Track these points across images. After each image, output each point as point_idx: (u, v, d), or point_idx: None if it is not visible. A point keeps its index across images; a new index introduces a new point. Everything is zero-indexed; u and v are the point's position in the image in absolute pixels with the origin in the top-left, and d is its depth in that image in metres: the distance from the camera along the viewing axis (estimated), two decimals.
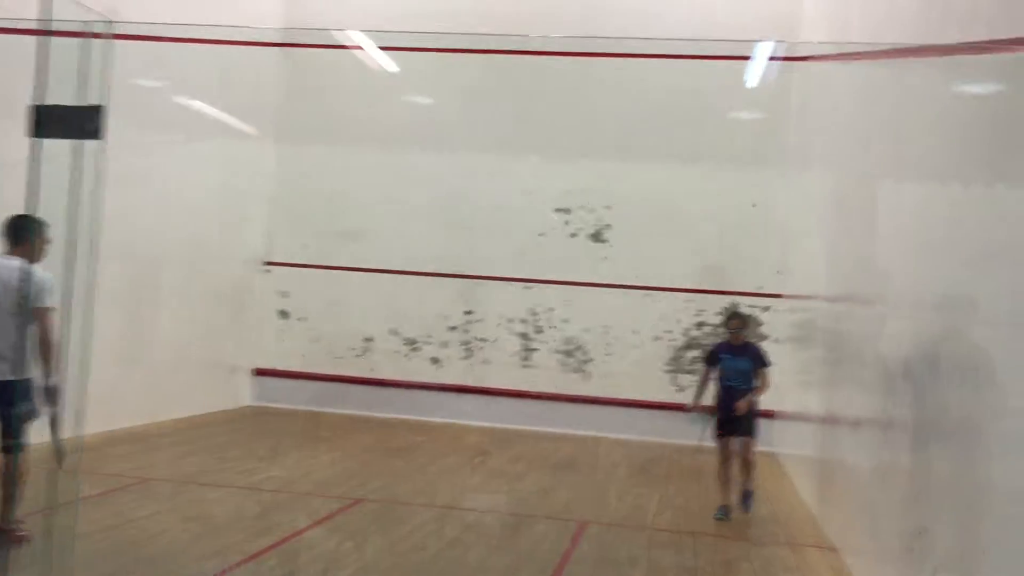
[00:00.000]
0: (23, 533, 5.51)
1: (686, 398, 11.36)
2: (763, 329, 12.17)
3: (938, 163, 5.04)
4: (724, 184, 12.61)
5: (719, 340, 8.94)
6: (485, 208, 12.99)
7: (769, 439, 10.27)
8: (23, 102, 4.24)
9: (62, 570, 5.06)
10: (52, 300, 5.38)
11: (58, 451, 5.21)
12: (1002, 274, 3.93)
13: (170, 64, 10.65)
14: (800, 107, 11.42)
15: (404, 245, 13.14)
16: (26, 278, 5.38)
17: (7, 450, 5.40)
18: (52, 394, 5.38)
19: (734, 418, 7.76)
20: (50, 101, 4.31)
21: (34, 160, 4.31)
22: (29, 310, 5.39)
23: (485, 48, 12.60)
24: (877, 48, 6.75)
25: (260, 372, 13.37)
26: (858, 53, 7.57)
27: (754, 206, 12.49)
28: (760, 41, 11.45)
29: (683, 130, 12.54)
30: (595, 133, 12.83)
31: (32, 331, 5.41)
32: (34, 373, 5.47)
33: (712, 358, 8.07)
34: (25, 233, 5.52)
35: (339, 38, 12.84)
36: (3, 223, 5.59)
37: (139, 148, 9.71)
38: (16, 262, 5.53)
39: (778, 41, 11.77)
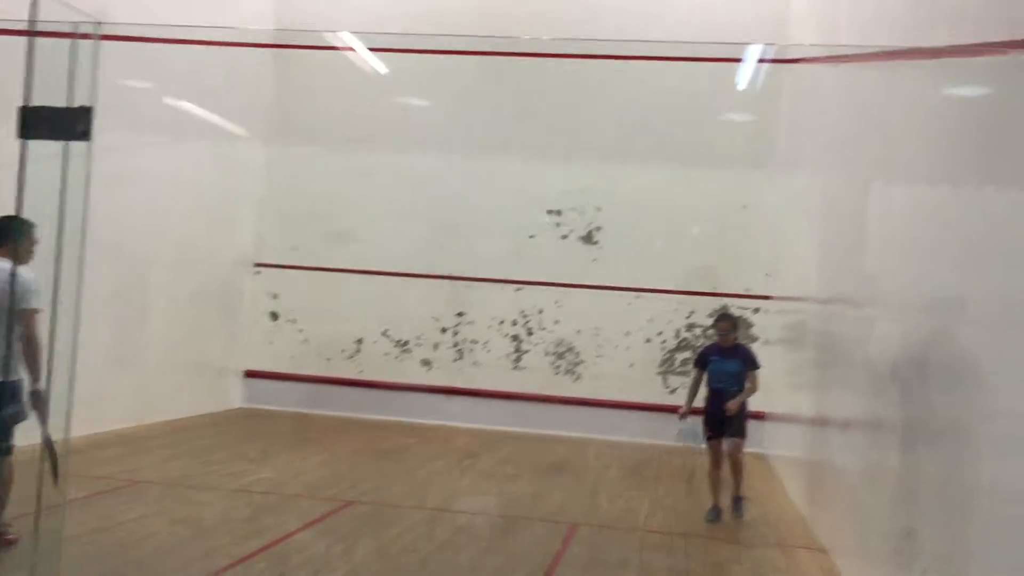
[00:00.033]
0: (11, 536, 5.48)
1: (677, 399, 11.39)
2: (753, 331, 12.20)
3: (927, 165, 5.05)
4: (714, 186, 12.64)
5: (709, 342, 8.95)
6: (476, 209, 12.99)
7: (759, 440, 10.30)
8: (12, 103, 4.22)
9: (48, 573, 5.02)
10: (38, 302, 5.34)
11: (54, 468, 5.14)
12: (990, 276, 3.94)
13: (160, 65, 10.61)
14: (790, 109, 11.45)
15: (395, 247, 13.12)
16: (12, 279, 5.35)
17: None
18: (38, 399, 5.35)
19: (724, 419, 7.77)
20: (38, 102, 4.29)
21: (22, 161, 4.28)
22: (15, 312, 5.36)
23: (476, 50, 12.59)
24: (866, 51, 6.77)
25: (250, 374, 13.34)
26: (847, 56, 7.59)
27: (744, 208, 12.51)
28: (750, 44, 11.47)
29: (674, 132, 12.56)
30: (586, 135, 12.84)
31: (17, 333, 5.38)
32: (21, 375, 5.44)
33: (702, 361, 8.07)
34: (11, 234, 5.49)
35: (330, 39, 12.82)
36: None
37: (128, 149, 9.67)
38: (2, 263, 5.50)
39: (767, 44, 11.80)
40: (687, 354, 12.36)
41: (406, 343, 13.25)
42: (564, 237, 13.04)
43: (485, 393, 12.85)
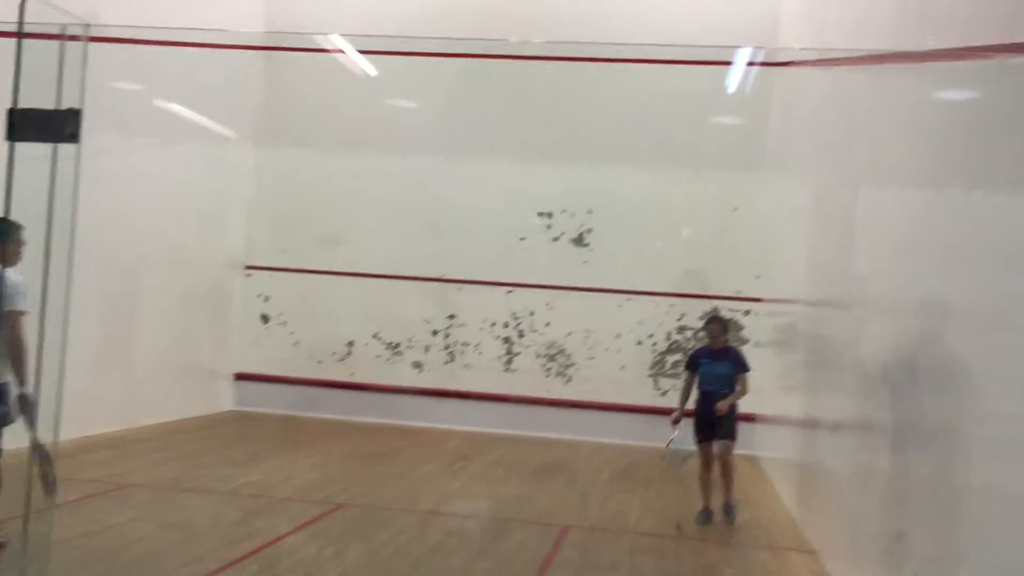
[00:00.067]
0: (1, 540, 5.44)
1: (668, 401, 11.39)
2: (744, 333, 12.22)
3: (915, 168, 5.07)
4: (705, 188, 12.66)
5: (700, 345, 8.96)
6: (467, 212, 12.98)
7: (750, 443, 10.31)
8: (0, 106, 4.20)
9: None
10: (25, 304, 5.31)
11: (44, 479, 5.08)
12: (978, 278, 3.96)
13: (149, 67, 10.59)
14: (780, 112, 11.48)
15: (386, 249, 13.11)
16: None
17: None
18: (25, 402, 5.31)
19: (715, 421, 7.78)
20: (26, 105, 4.27)
21: (9, 163, 4.27)
22: (1, 314, 5.33)
23: (466, 52, 12.59)
24: (855, 54, 6.79)
25: (240, 376, 13.30)
26: (836, 59, 7.62)
27: (735, 210, 12.53)
28: (740, 47, 11.50)
29: (664, 134, 12.57)
30: (576, 137, 12.85)
31: (3, 335, 5.34)
32: (7, 379, 5.41)
33: (693, 363, 8.08)
34: None
35: (320, 41, 12.80)
36: None
37: (118, 151, 9.65)
38: None
39: (757, 47, 11.83)
40: (678, 356, 12.38)
41: (397, 345, 13.23)
42: (555, 239, 13.04)
43: (476, 395, 12.84)
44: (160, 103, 11.33)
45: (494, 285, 13.01)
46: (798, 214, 9.45)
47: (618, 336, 12.81)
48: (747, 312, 12.38)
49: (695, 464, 8.04)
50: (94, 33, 4.56)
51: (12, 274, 5.42)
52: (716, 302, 12.30)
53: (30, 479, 4.83)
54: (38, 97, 4.23)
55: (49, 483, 4.97)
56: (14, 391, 5.43)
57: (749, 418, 9.60)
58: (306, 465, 9.73)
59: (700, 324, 11.44)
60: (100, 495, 7.49)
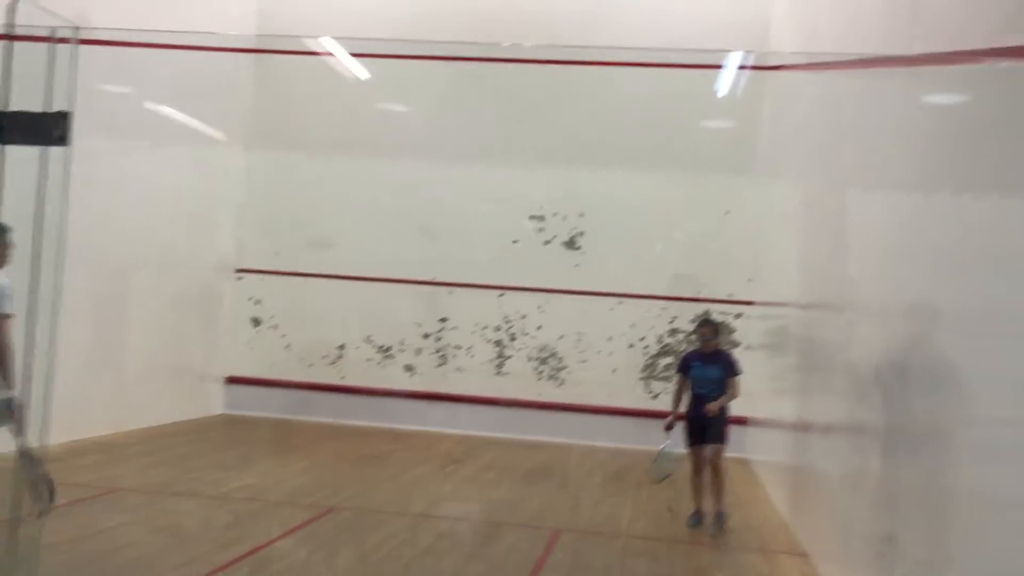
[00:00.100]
0: None
1: (659, 404, 11.41)
2: (736, 336, 12.23)
3: (905, 172, 5.09)
4: (697, 191, 12.68)
5: (692, 348, 8.97)
6: (459, 215, 12.98)
7: (742, 446, 10.32)
8: None
9: None
10: (10, 306, 5.28)
11: (34, 487, 4.99)
12: (967, 282, 3.97)
13: (139, 69, 10.56)
14: (771, 116, 11.50)
15: (378, 252, 13.08)
16: None
17: None
18: (12, 407, 5.27)
19: (706, 424, 7.78)
20: (15, 107, 4.25)
21: None
22: None
23: (457, 55, 12.60)
24: (845, 58, 6.81)
25: (231, 380, 13.26)
26: (827, 63, 7.64)
27: (727, 213, 12.55)
28: (732, 51, 11.53)
29: (657, 138, 12.59)
30: (569, 141, 12.85)
31: None
32: None
33: (684, 367, 8.09)
34: None
35: (310, 44, 12.79)
36: None
37: (108, 154, 9.62)
38: None
39: (748, 51, 11.86)
40: (669, 359, 12.39)
41: (389, 349, 13.22)
42: (547, 243, 13.04)
43: (468, 399, 12.83)
44: (150, 106, 11.30)
45: (486, 288, 13.01)
46: (789, 217, 9.46)
47: (610, 339, 12.82)
48: (739, 315, 12.40)
49: (686, 468, 8.03)
50: (84, 36, 4.55)
51: None
52: (708, 305, 12.31)
53: (18, 484, 4.80)
54: (27, 100, 4.21)
55: (41, 491, 4.92)
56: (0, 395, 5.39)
57: (741, 421, 9.62)
58: (297, 469, 9.71)
59: (692, 327, 11.45)
60: (90, 499, 7.45)
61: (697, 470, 7.93)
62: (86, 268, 9.30)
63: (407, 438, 12.05)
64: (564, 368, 12.91)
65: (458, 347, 13.09)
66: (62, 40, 4.33)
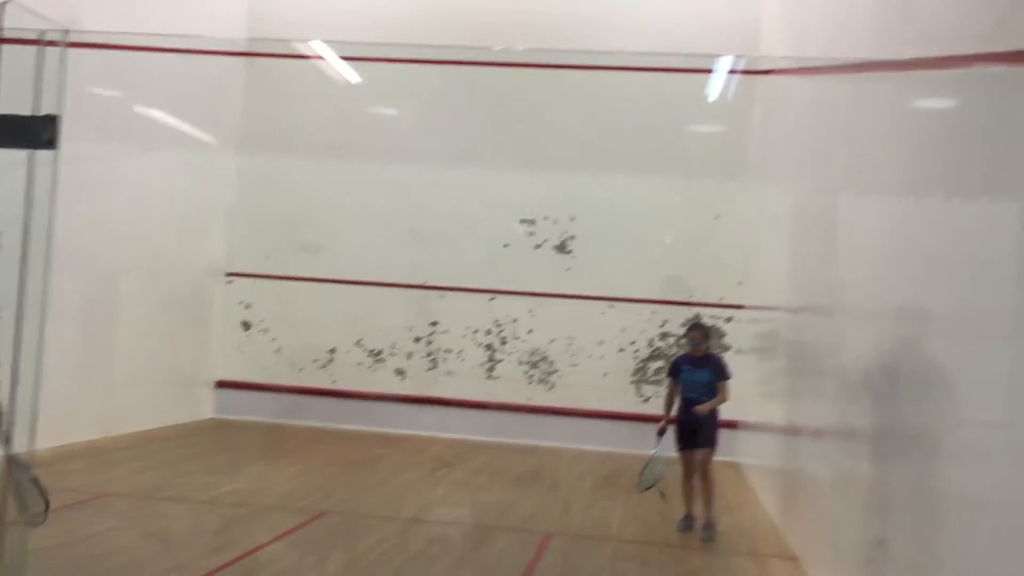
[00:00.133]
0: None
1: (650, 408, 11.43)
2: (726, 340, 12.25)
3: (895, 176, 5.10)
4: (687, 195, 12.69)
5: (682, 352, 8.97)
6: (449, 219, 12.97)
7: (732, 449, 10.33)
8: None
9: None
10: None
11: (22, 498, 4.95)
12: (956, 286, 3.98)
13: (130, 72, 10.54)
14: (762, 120, 11.53)
15: (369, 256, 13.07)
16: None
17: None
18: None
19: (696, 428, 7.77)
20: (3, 110, 4.24)
21: None
22: None
23: (448, 59, 12.60)
24: (835, 63, 6.83)
25: (221, 384, 13.22)
26: (817, 67, 7.66)
27: (717, 217, 12.57)
28: (722, 55, 11.56)
29: (647, 142, 12.60)
30: (560, 144, 12.86)
31: None
32: None
33: (675, 370, 8.08)
34: None
35: (301, 48, 12.78)
36: None
37: (98, 157, 9.58)
38: None
39: (738, 55, 11.90)
40: (660, 363, 12.39)
41: (379, 352, 13.19)
42: (538, 247, 13.04)
43: (459, 402, 12.82)
44: (140, 109, 11.27)
45: (477, 292, 13.00)
46: (780, 221, 9.48)
47: (601, 343, 12.82)
48: (729, 319, 12.42)
49: (676, 472, 8.02)
50: (74, 38, 4.53)
51: None
52: (698, 309, 12.32)
53: (4, 490, 4.77)
54: (16, 103, 4.19)
55: (30, 498, 4.88)
56: None
57: (731, 425, 9.62)
58: (287, 473, 9.68)
59: (682, 331, 11.46)
60: (78, 504, 7.42)
61: (688, 475, 7.93)
62: (75, 271, 9.27)
63: (398, 442, 12.03)
64: (555, 372, 12.91)
65: (449, 351, 13.08)
66: (51, 43, 4.32)
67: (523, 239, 13.05)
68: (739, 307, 12.22)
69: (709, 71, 11.89)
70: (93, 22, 8.22)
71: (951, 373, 4.02)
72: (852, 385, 5.73)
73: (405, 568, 6.43)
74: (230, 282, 13.40)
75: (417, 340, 13.14)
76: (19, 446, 5.09)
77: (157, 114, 11.52)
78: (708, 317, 12.09)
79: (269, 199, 13.30)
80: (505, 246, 13.05)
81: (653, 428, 8.03)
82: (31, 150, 4.24)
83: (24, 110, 4.20)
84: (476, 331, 13.05)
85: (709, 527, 7.80)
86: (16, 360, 4.61)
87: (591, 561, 7.05)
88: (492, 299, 13.01)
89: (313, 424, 12.65)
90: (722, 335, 12.24)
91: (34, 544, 5.49)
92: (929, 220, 4.43)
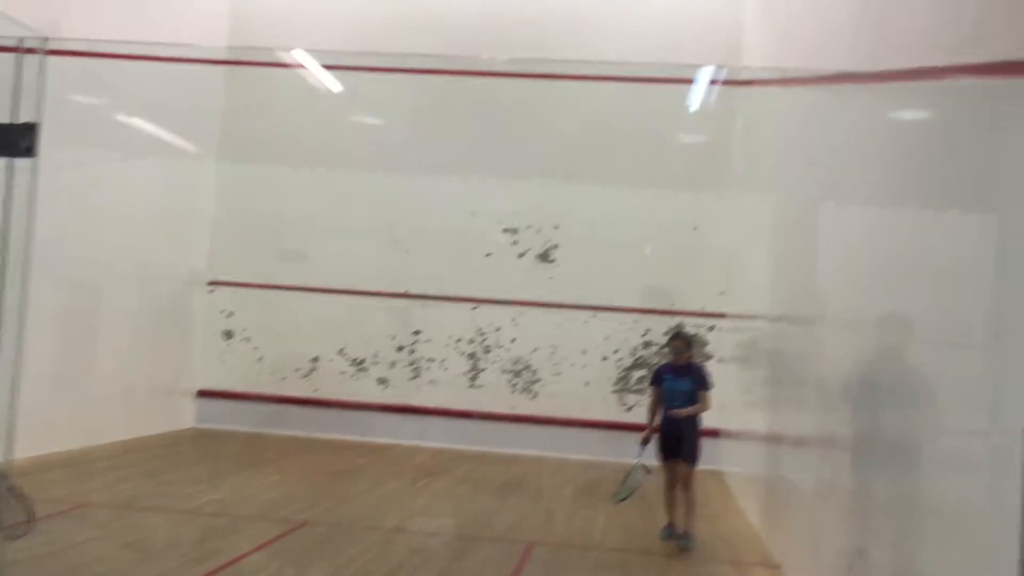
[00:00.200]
0: None
1: (633, 417, 11.45)
2: (708, 349, 12.29)
3: (874, 186, 5.14)
4: (670, 205, 12.75)
5: (665, 361, 8.98)
6: (432, 228, 12.97)
7: (715, 458, 10.35)
8: None
9: None
10: None
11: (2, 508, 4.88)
12: (935, 296, 4.01)
13: (110, 80, 10.49)
14: (743, 130, 11.60)
15: (351, 265, 13.05)
16: None
17: None
18: None
19: (680, 436, 7.76)
20: None
21: None
22: None
23: (431, 68, 12.61)
24: (815, 74, 6.88)
25: (203, 393, 13.14)
26: (798, 78, 7.72)
27: (699, 227, 12.62)
28: (704, 65, 11.63)
29: (630, 151, 12.65)
30: (542, 154, 12.89)
31: None
32: None
33: (657, 379, 8.08)
34: None
35: (283, 57, 12.77)
36: None
37: (77, 165, 9.53)
38: None
39: (720, 66, 11.97)
40: (643, 372, 12.42)
41: (362, 361, 13.16)
42: (521, 255, 13.06)
43: (441, 411, 12.80)
44: (121, 117, 11.22)
45: (459, 301, 13.00)
46: (761, 231, 9.54)
47: (584, 352, 12.84)
48: (711, 328, 12.46)
49: (659, 481, 8.01)
50: (53, 46, 4.51)
51: None
52: (680, 318, 12.36)
53: None
54: None
55: (10, 508, 4.84)
56: None
57: (714, 433, 9.65)
58: (269, 483, 9.63)
59: (665, 340, 11.49)
60: (58, 515, 7.35)
61: (670, 484, 7.92)
62: (54, 280, 9.21)
63: (380, 451, 12.00)
64: (538, 381, 12.92)
65: (432, 360, 13.06)
66: (30, 50, 4.30)
67: (506, 248, 13.07)
68: (721, 316, 12.27)
69: (691, 82, 11.96)
70: (73, 29, 8.18)
71: (930, 382, 4.05)
72: (832, 394, 5.76)
73: None
74: (212, 291, 13.34)
75: (400, 349, 13.12)
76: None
77: (138, 122, 11.47)
78: (691, 326, 12.12)
79: (251, 207, 13.26)
80: (488, 255, 13.06)
81: (636, 437, 8.02)
82: (10, 158, 4.22)
83: (3, 118, 4.18)
84: (459, 340, 13.04)
85: (686, 536, 7.79)
86: None
87: (574, 570, 7.05)
88: (475, 308, 13.01)
89: (295, 433, 12.60)
90: (704, 344, 12.28)
91: (13, 555, 5.45)
92: (907, 230, 4.47)
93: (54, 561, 6.16)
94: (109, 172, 10.66)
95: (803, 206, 7.34)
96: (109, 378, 10.93)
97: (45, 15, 4.83)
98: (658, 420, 7.93)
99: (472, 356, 13.03)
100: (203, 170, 13.16)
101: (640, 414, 8.27)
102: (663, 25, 12.63)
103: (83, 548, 6.57)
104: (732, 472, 10.77)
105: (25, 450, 5.40)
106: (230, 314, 13.31)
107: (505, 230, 13.06)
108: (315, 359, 13.20)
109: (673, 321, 12.30)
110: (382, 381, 13.11)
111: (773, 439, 8.18)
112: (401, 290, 13.04)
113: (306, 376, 13.19)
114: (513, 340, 12.98)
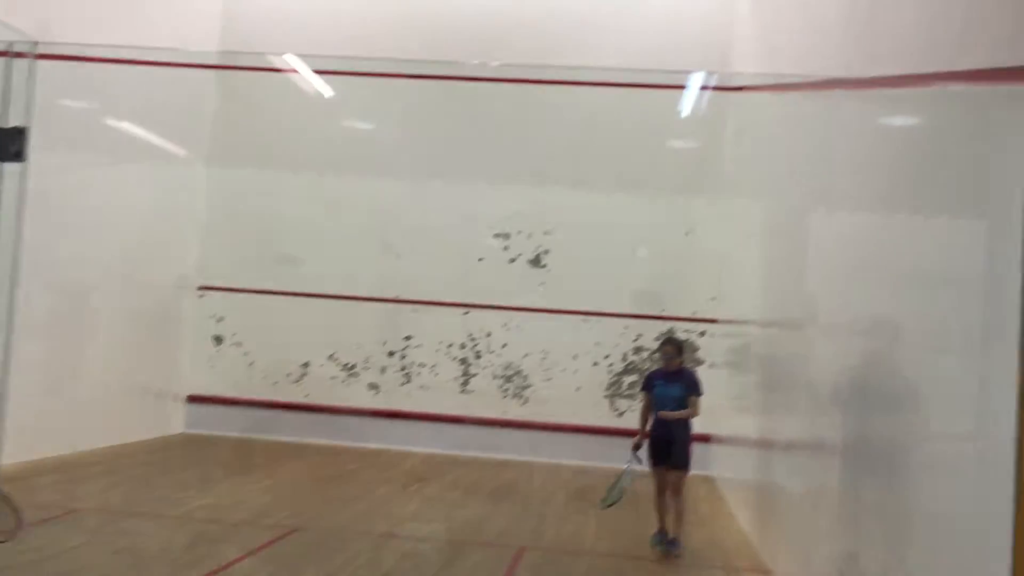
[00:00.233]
0: None
1: (624, 422, 11.45)
2: (700, 354, 12.30)
3: (864, 192, 5.16)
4: (661, 210, 12.77)
5: (656, 366, 8.98)
6: (423, 233, 12.96)
7: (706, 463, 10.36)
8: None
9: None
10: None
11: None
12: (924, 301, 4.02)
13: (100, 84, 10.47)
14: (735, 136, 11.63)
15: (342, 270, 13.03)
16: None
17: None
18: None
19: (671, 440, 7.76)
20: None
21: None
22: None
23: (422, 73, 12.61)
24: (806, 79, 6.91)
25: (193, 399, 13.10)
26: (788, 84, 7.74)
27: (689, 233, 12.65)
28: (694, 71, 11.66)
29: (621, 157, 12.66)
30: (533, 159, 12.89)
31: None
32: None
33: (648, 385, 8.08)
34: None
35: (274, 61, 12.75)
36: None
37: (67, 170, 9.50)
38: None
39: (711, 71, 12.00)
40: (634, 377, 12.43)
41: (353, 367, 13.14)
42: (512, 260, 13.06)
43: (432, 417, 12.78)
44: (111, 121, 11.19)
45: (451, 306, 12.99)
46: (752, 236, 9.56)
47: (575, 357, 12.83)
48: (702, 333, 12.48)
49: (649, 487, 8.00)
50: (43, 50, 4.50)
51: None
52: (672, 323, 12.38)
53: None
54: None
55: (2, 516, 4.81)
56: None
57: (705, 439, 9.66)
58: (259, 488, 9.60)
59: (656, 345, 11.50)
60: (48, 521, 7.31)
61: (660, 490, 7.90)
62: (44, 284, 9.17)
63: (371, 457, 11.97)
64: (529, 386, 12.91)
65: (423, 365, 13.05)
66: (19, 54, 4.28)
67: (497, 253, 13.06)
68: (712, 321, 12.28)
69: (682, 87, 11.99)
70: (63, 34, 8.17)
71: (920, 386, 4.06)
72: (823, 399, 5.77)
73: None
74: (202, 295, 13.30)
75: (391, 354, 13.10)
76: None
77: (128, 126, 11.44)
78: (682, 331, 12.14)
79: (241, 212, 13.24)
80: (479, 260, 13.06)
81: (627, 442, 8.00)
82: None
83: None
84: (450, 345, 13.03)
85: (675, 543, 7.78)
86: None
87: (565, 575, 7.03)
88: (466, 313, 13.00)
89: (285, 439, 12.56)
90: (695, 349, 12.30)
91: (2, 561, 5.42)
92: (897, 235, 4.49)
93: (44, 567, 6.12)
94: (99, 176, 10.62)
95: (794, 211, 7.36)
96: (99, 383, 10.88)
97: (34, 19, 4.81)
98: (649, 425, 7.93)
99: (463, 361, 13.02)
100: (193, 174, 13.12)
101: (631, 419, 8.26)
102: (654, 31, 12.64)
103: (73, 554, 6.53)
104: (723, 477, 10.78)
105: (14, 455, 5.36)
106: (220, 319, 13.27)
107: (496, 235, 13.06)
108: (306, 364, 13.17)
109: (664, 326, 12.32)
110: (373, 386, 13.08)
111: (764, 444, 8.19)
112: (392, 295, 13.02)
113: (297, 381, 13.16)
114: (504, 345, 12.97)
